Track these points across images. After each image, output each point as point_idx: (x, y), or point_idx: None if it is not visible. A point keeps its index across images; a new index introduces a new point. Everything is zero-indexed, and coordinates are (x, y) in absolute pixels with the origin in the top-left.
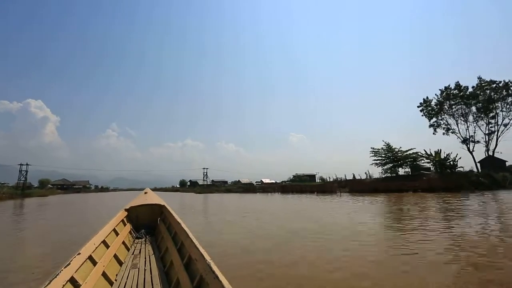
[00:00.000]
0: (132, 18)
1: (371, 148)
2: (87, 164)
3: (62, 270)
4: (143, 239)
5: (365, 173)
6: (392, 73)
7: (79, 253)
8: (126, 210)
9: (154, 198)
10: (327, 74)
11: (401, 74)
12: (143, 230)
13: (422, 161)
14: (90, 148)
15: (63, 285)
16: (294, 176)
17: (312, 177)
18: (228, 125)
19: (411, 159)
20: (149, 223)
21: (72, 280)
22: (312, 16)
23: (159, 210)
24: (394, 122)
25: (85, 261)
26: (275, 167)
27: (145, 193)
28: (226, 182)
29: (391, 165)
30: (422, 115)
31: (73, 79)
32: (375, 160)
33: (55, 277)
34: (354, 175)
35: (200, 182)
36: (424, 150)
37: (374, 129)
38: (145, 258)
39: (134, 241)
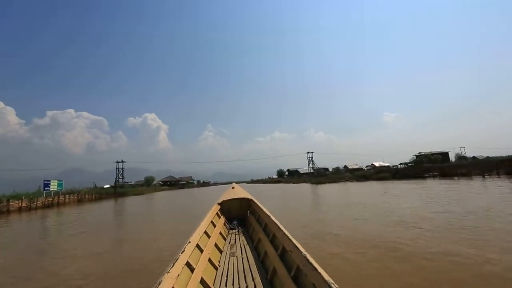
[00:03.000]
0: (213, 27)
1: None
2: (192, 163)
3: (180, 255)
4: (236, 230)
5: None
6: None
7: (189, 242)
8: (219, 204)
9: (241, 192)
10: (429, 43)
11: None
12: (235, 222)
13: None
14: (193, 149)
15: (182, 268)
16: (417, 156)
17: (445, 155)
18: (314, 114)
19: None
20: (239, 215)
21: (188, 264)
22: None
23: (247, 204)
24: None
25: (194, 248)
26: (372, 150)
27: (233, 188)
28: (327, 169)
29: None
30: None
31: (170, 89)
32: None
33: (176, 261)
34: None
35: (302, 171)
36: None
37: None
38: (241, 248)
39: (228, 231)
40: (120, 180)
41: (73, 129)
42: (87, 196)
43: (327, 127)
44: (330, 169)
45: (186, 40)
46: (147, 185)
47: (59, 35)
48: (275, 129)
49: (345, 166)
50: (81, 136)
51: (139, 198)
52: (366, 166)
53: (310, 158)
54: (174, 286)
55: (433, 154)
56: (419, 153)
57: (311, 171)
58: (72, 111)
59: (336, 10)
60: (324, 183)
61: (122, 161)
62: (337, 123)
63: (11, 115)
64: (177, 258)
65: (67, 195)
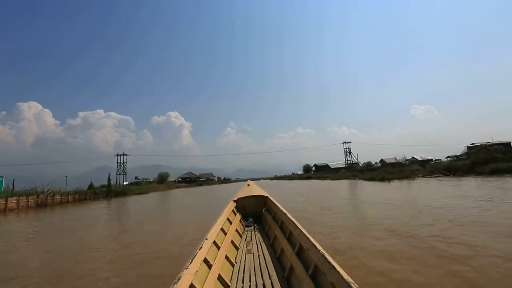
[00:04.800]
0: (233, 30)
1: None
2: (215, 160)
3: (198, 252)
4: (252, 227)
5: None
6: None
7: (206, 238)
8: (234, 201)
9: (257, 190)
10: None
11: None
12: (251, 219)
13: None
14: (216, 145)
15: (200, 264)
16: (469, 148)
17: (507, 145)
18: (337, 109)
19: None
20: (255, 212)
21: (205, 261)
22: None
23: (263, 201)
24: None
25: (211, 245)
26: (401, 144)
27: (248, 185)
28: (358, 164)
29: None
30: None
31: (192, 87)
32: None
33: (194, 257)
34: None
35: (332, 165)
36: None
37: None
38: (257, 245)
39: (244, 229)
40: (122, 177)
41: (102, 128)
42: (58, 197)
43: (349, 122)
44: (361, 164)
45: (205, 39)
46: (161, 182)
47: (84, 37)
48: (297, 125)
49: (381, 160)
50: (110, 134)
51: (141, 199)
52: (406, 160)
53: (347, 150)
54: (192, 282)
55: (491, 144)
56: (472, 144)
57: (345, 165)
58: (101, 111)
59: (361, 6)
60: (390, 179)
61: (124, 154)
62: (359, 117)
63: (48, 116)
64: (195, 255)
65: (14, 198)
